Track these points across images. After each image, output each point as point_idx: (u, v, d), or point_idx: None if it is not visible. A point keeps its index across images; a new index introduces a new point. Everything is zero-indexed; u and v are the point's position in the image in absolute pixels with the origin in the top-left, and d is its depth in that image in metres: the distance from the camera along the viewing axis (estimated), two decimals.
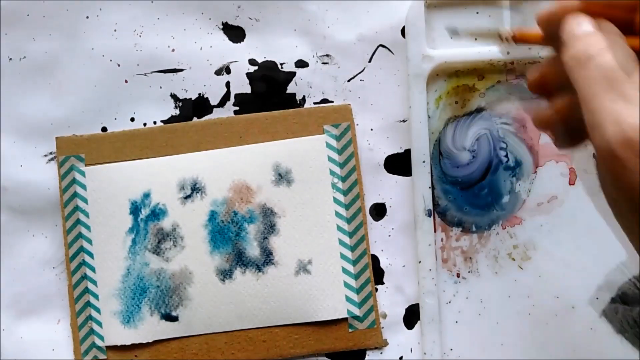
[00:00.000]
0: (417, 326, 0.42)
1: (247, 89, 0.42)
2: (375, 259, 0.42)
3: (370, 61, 0.42)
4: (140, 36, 0.42)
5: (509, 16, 0.41)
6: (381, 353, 0.41)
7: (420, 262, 0.41)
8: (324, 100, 0.42)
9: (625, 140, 0.23)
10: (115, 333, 0.41)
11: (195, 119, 0.42)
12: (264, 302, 0.40)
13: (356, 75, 0.42)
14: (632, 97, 0.24)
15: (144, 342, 0.41)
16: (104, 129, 0.42)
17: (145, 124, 0.42)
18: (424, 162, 0.41)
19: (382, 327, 0.41)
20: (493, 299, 0.41)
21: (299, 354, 0.41)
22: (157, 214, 0.41)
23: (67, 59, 0.42)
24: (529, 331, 0.41)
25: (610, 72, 0.25)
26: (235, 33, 0.42)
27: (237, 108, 0.42)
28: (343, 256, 0.40)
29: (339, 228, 0.41)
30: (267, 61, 0.42)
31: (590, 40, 0.26)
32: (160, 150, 0.42)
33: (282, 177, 0.41)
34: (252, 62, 0.42)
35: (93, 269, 0.41)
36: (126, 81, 0.42)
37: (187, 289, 0.41)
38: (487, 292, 0.42)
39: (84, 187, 0.41)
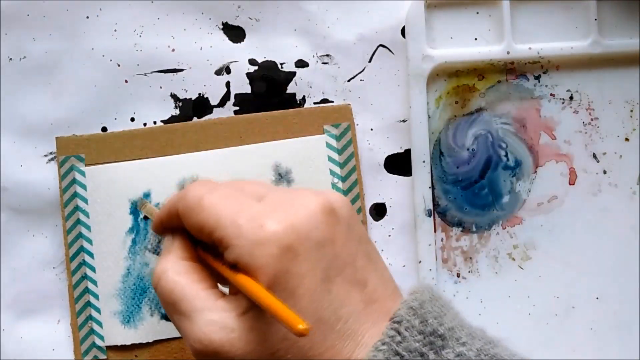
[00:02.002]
0: None
1: (247, 89, 0.42)
2: None
3: (370, 61, 0.42)
4: (140, 36, 0.42)
5: (509, 16, 0.41)
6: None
7: (420, 262, 0.41)
8: (324, 100, 0.42)
9: (196, 354, 0.26)
10: (116, 333, 0.41)
11: (195, 119, 0.42)
12: None
13: (356, 75, 0.42)
14: (189, 311, 0.27)
15: (144, 342, 0.41)
16: (104, 129, 0.42)
17: (145, 124, 0.42)
18: (424, 162, 0.41)
19: None
20: (493, 299, 0.41)
21: None
22: None
23: (67, 59, 0.42)
24: (529, 331, 0.41)
25: (170, 294, 0.27)
26: (235, 33, 0.42)
27: (237, 108, 0.42)
28: None
29: None
30: (267, 61, 0.42)
31: (156, 266, 0.29)
32: (160, 150, 0.42)
33: (282, 177, 0.41)
34: (252, 62, 0.42)
35: (93, 269, 0.41)
36: (126, 81, 0.42)
37: None
38: (487, 292, 0.42)
39: (84, 187, 0.41)
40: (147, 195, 0.41)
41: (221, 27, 0.42)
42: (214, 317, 0.26)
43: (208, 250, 0.29)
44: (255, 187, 0.29)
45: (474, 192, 0.42)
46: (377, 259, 0.29)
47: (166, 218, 0.31)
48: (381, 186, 0.42)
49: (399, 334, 0.25)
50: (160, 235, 0.32)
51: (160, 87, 0.42)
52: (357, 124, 0.42)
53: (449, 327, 0.26)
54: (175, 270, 0.28)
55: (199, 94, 0.42)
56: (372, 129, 0.42)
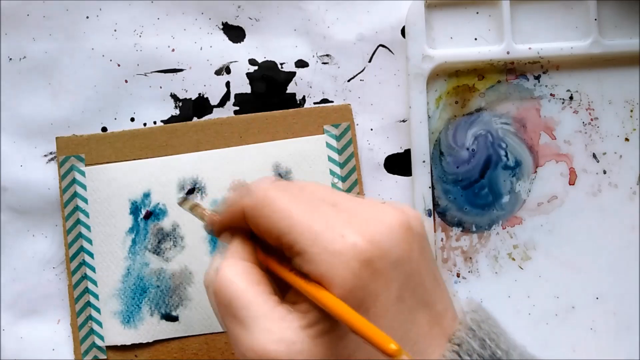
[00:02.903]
0: None
1: (247, 89, 0.42)
2: None
3: (370, 61, 0.42)
4: (140, 36, 0.42)
5: (509, 16, 0.41)
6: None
7: None
8: (324, 100, 0.42)
9: None
10: (115, 333, 0.41)
11: (195, 119, 0.42)
12: None
13: (356, 75, 0.42)
14: (245, 316, 0.25)
15: (144, 342, 0.41)
16: (104, 129, 0.42)
17: (145, 124, 0.42)
18: (424, 162, 0.41)
19: None
20: (493, 299, 0.41)
21: None
22: (157, 213, 0.41)
23: (67, 59, 0.42)
24: (529, 331, 0.41)
25: (225, 294, 0.25)
26: (235, 33, 0.42)
27: (237, 108, 0.42)
28: None
29: None
30: (267, 61, 0.42)
31: (211, 264, 0.27)
32: (160, 150, 0.42)
33: (282, 177, 0.41)
34: (252, 62, 0.42)
35: (93, 269, 0.41)
36: (126, 81, 0.42)
37: (187, 289, 0.41)
38: (487, 292, 0.42)
39: (84, 187, 0.41)
40: (147, 195, 0.41)
41: (221, 27, 0.42)
42: (273, 326, 0.24)
43: (271, 254, 0.27)
44: (325, 191, 0.27)
45: (474, 192, 0.42)
46: (441, 279, 0.28)
47: (227, 218, 0.29)
48: (381, 186, 0.42)
49: (459, 357, 0.25)
50: (217, 236, 0.30)
51: (160, 87, 0.42)
52: (357, 124, 0.42)
53: (505, 349, 0.26)
54: (234, 270, 0.26)
55: (199, 94, 0.42)
56: (372, 129, 0.42)
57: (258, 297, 0.25)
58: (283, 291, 0.27)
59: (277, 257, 0.27)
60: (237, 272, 0.26)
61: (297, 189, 0.27)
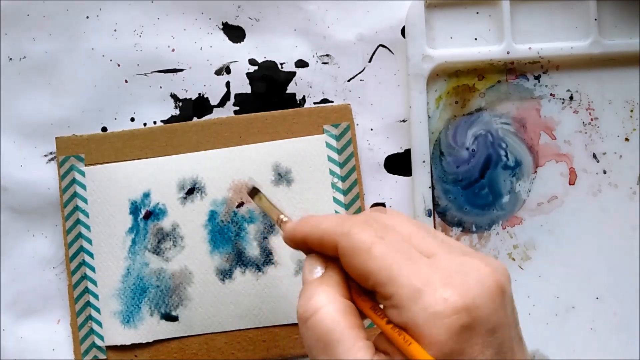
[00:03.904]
0: None
1: (247, 89, 0.42)
2: None
3: (370, 61, 0.42)
4: (140, 36, 0.42)
5: (509, 16, 0.41)
6: None
7: None
8: (324, 100, 0.42)
9: None
10: (115, 333, 0.41)
11: (195, 119, 0.42)
12: (264, 302, 0.40)
13: (356, 75, 0.42)
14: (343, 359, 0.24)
15: (144, 342, 0.41)
16: (104, 129, 0.42)
17: (145, 124, 0.42)
18: (424, 162, 0.41)
19: None
20: None
21: (299, 354, 0.41)
22: (157, 213, 0.41)
23: (67, 59, 0.42)
24: (528, 331, 0.41)
25: (326, 334, 0.25)
26: (235, 33, 0.42)
27: (237, 108, 0.42)
28: None
29: None
30: (267, 61, 0.42)
31: (311, 296, 0.26)
32: (160, 150, 0.42)
33: (282, 177, 0.41)
34: (252, 62, 0.42)
35: (93, 269, 0.41)
36: (126, 81, 0.42)
37: (187, 289, 0.41)
38: None
39: (84, 187, 0.41)
40: (147, 195, 0.41)
41: (221, 27, 0.42)
42: None
43: (363, 295, 0.27)
44: (422, 240, 0.27)
45: (474, 191, 0.42)
46: (523, 340, 0.27)
47: (316, 243, 0.28)
48: (381, 186, 0.42)
49: None
50: (293, 248, 0.30)
51: (160, 87, 0.42)
52: (357, 124, 0.42)
53: None
54: (337, 307, 0.26)
55: (199, 94, 0.42)
56: (372, 129, 0.42)
57: (358, 342, 0.25)
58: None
59: (371, 301, 0.27)
60: (340, 310, 0.26)
61: (396, 237, 0.26)
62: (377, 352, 0.25)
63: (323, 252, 0.28)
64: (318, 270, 0.28)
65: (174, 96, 0.42)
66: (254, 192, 0.36)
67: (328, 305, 0.26)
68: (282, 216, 0.32)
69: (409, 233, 0.27)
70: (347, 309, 0.26)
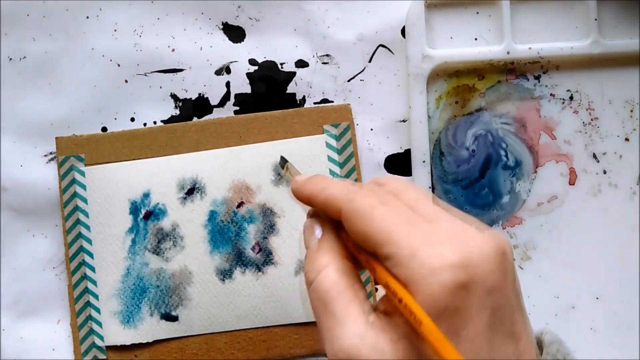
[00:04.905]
0: None
1: (247, 89, 0.42)
2: None
3: (370, 61, 0.42)
4: (140, 36, 0.42)
5: (509, 16, 0.41)
6: None
7: None
8: (324, 100, 0.42)
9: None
10: (115, 333, 0.41)
11: (195, 119, 0.42)
12: (263, 302, 0.40)
13: (356, 75, 0.42)
14: (342, 317, 0.25)
15: (144, 342, 0.41)
16: (104, 129, 0.42)
17: (145, 124, 0.42)
18: (424, 162, 0.41)
19: None
20: None
21: (299, 354, 0.41)
22: (157, 213, 0.41)
23: (67, 59, 0.42)
24: None
25: (327, 294, 0.26)
26: (235, 33, 0.42)
27: (237, 108, 0.42)
28: None
29: None
30: (267, 61, 0.42)
31: (313, 261, 0.28)
32: (160, 150, 0.42)
33: (282, 177, 0.41)
34: (252, 62, 0.42)
35: (93, 269, 0.41)
36: (126, 81, 0.42)
37: (187, 288, 0.41)
38: None
39: (83, 187, 0.41)
40: (146, 196, 0.41)
41: (221, 27, 0.42)
42: (367, 332, 0.25)
43: (366, 253, 0.27)
44: (426, 206, 0.27)
45: (474, 191, 0.42)
46: (526, 313, 0.27)
47: (320, 204, 0.29)
48: None
49: None
50: (298, 200, 0.31)
51: (160, 87, 0.42)
52: (357, 124, 0.42)
53: None
54: (338, 268, 0.27)
55: (199, 94, 0.42)
56: (372, 129, 0.42)
57: (357, 300, 0.26)
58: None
59: (370, 255, 0.27)
60: (341, 270, 0.27)
61: (399, 203, 0.27)
62: (377, 312, 0.26)
63: (325, 213, 0.29)
64: (317, 233, 0.29)
65: (174, 96, 0.42)
66: (283, 161, 0.39)
67: (328, 267, 0.27)
68: (297, 176, 0.33)
69: (412, 199, 0.27)
70: (346, 269, 0.27)
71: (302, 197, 0.30)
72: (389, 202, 0.27)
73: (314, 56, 0.42)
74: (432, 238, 0.25)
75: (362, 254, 0.27)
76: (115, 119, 0.42)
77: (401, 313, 0.24)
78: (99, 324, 0.41)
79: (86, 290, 0.41)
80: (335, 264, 0.27)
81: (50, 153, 0.42)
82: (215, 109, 0.42)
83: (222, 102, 0.42)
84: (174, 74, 0.42)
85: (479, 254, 0.24)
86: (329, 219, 0.29)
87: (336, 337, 0.25)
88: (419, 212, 0.26)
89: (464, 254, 0.24)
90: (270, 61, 0.42)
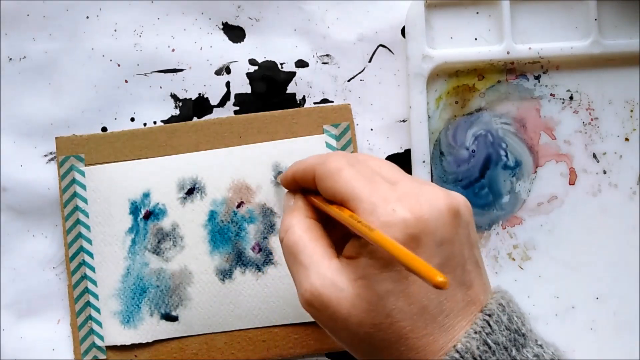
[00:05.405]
0: None
1: (247, 89, 0.42)
2: None
3: (370, 61, 0.42)
4: (140, 36, 0.42)
5: (509, 16, 0.41)
6: None
7: None
8: (324, 100, 0.42)
9: (304, 302, 0.29)
10: (115, 333, 0.41)
11: (195, 119, 0.42)
12: (263, 302, 0.40)
13: (356, 75, 0.42)
14: (306, 263, 0.29)
15: (144, 342, 0.41)
16: (104, 129, 0.42)
17: (145, 124, 0.42)
18: (424, 162, 0.41)
19: None
20: None
21: (299, 354, 0.41)
22: (156, 213, 0.41)
23: (67, 59, 0.42)
24: None
25: (293, 247, 0.30)
26: (235, 33, 0.42)
27: (237, 108, 0.42)
28: None
29: None
30: (267, 61, 0.42)
31: (283, 222, 0.32)
32: (160, 150, 0.42)
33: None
34: (252, 62, 0.42)
35: (93, 269, 0.41)
36: (126, 81, 0.42)
37: (186, 288, 0.41)
38: None
39: (83, 187, 0.41)
40: (146, 196, 0.41)
41: (221, 27, 0.42)
42: (327, 273, 0.28)
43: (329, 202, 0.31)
44: (390, 171, 0.31)
45: (474, 191, 0.42)
46: (482, 265, 0.30)
47: (300, 175, 0.33)
48: None
49: (489, 326, 0.28)
50: (286, 186, 0.35)
51: (160, 87, 0.42)
52: (357, 124, 0.42)
53: (529, 328, 0.29)
54: (301, 226, 0.31)
55: (199, 94, 0.42)
56: (372, 129, 0.42)
57: (318, 248, 0.30)
58: (339, 248, 0.31)
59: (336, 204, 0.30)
60: (303, 227, 0.31)
61: (365, 166, 0.30)
62: (341, 258, 0.29)
63: (305, 183, 0.33)
64: (292, 202, 0.33)
65: (174, 96, 0.42)
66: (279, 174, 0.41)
67: (295, 225, 0.31)
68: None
69: (379, 165, 0.31)
70: (311, 226, 0.31)
71: (288, 179, 0.34)
72: (355, 164, 0.30)
73: (314, 56, 0.42)
74: (390, 196, 0.28)
75: (332, 207, 0.30)
76: (115, 119, 0.42)
77: (361, 252, 0.28)
78: (99, 324, 0.41)
79: (86, 290, 0.41)
80: (300, 223, 0.31)
81: (50, 153, 0.42)
82: (215, 109, 0.42)
83: (222, 102, 0.42)
84: (174, 74, 0.42)
85: (430, 210, 0.28)
86: (300, 190, 0.33)
87: (302, 281, 0.29)
88: (382, 175, 0.30)
89: (416, 210, 0.27)
90: (270, 61, 0.42)
